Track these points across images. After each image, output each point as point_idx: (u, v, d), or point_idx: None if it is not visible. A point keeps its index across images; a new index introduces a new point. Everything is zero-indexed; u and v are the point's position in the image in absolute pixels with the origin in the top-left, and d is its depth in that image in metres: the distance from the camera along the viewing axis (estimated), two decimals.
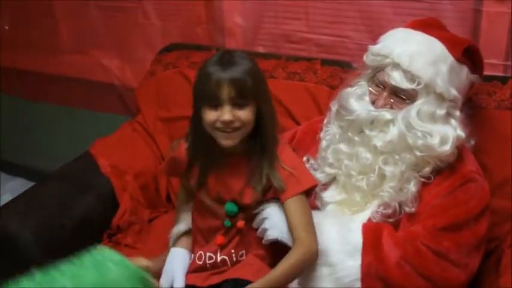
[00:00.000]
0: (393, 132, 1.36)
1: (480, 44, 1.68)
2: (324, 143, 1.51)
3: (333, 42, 2.01)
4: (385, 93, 1.41)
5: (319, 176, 1.47)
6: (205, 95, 1.23)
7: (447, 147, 1.34)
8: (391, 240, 1.31)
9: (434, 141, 1.34)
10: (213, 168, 1.35)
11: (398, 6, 1.84)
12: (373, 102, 1.42)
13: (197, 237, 1.43)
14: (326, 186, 1.48)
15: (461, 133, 1.38)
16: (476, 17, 1.72)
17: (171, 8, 2.27)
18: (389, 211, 1.37)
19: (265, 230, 1.32)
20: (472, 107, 1.56)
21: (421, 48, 1.39)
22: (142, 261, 1.19)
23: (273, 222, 1.31)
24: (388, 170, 1.37)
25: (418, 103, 1.37)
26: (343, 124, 1.46)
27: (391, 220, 1.37)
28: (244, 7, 2.11)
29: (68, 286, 1.06)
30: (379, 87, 1.42)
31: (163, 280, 1.35)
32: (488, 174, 1.47)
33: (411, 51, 1.37)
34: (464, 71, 1.44)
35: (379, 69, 1.42)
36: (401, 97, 1.39)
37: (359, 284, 1.29)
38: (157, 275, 1.33)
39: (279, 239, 1.30)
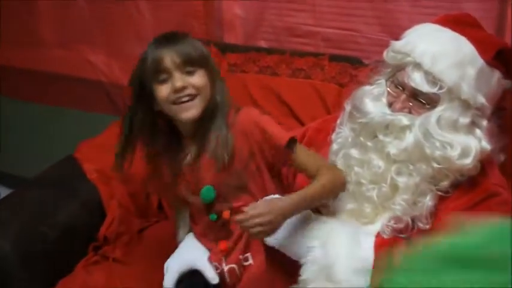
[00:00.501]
0: (409, 139, 1.32)
1: (506, 38, 1.63)
2: (334, 146, 1.46)
3: (342, 36, 1.98)
4: (403, 96, 1.35)
5: None
6: (151, 71, 1.27)
7: (468, 161, 1.28)
8: None
9: (454, 153, 1.28)
10: (181, 161, 1.36)
11: None
12: (390, 105, 1.37)
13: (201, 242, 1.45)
14: None
15: (486, 145, 1.32)
16: (502, 7, 1.68)
17: None
18: (401, 226, 1.32)
19: None
20: (502, 117, 1.47)
21: (446, 47, 1.33)
22: None
23: None
24: (401, 180, 1.32)
25: (439, 109, 1.31)
26: (355, 127, 1.41)
27: (402, 236, 1.32)
28: None
29: None
30: (398, 88, 1.37)
31: (180, 265, 1.40)
32: None
33: (435, 51, 1.32)
34: (496, 76, 1.38)
35: (400, 68, 1.37)
36: (421, 101, 1.34)
37: None
38: None
39: (276, 247, 1.30)
